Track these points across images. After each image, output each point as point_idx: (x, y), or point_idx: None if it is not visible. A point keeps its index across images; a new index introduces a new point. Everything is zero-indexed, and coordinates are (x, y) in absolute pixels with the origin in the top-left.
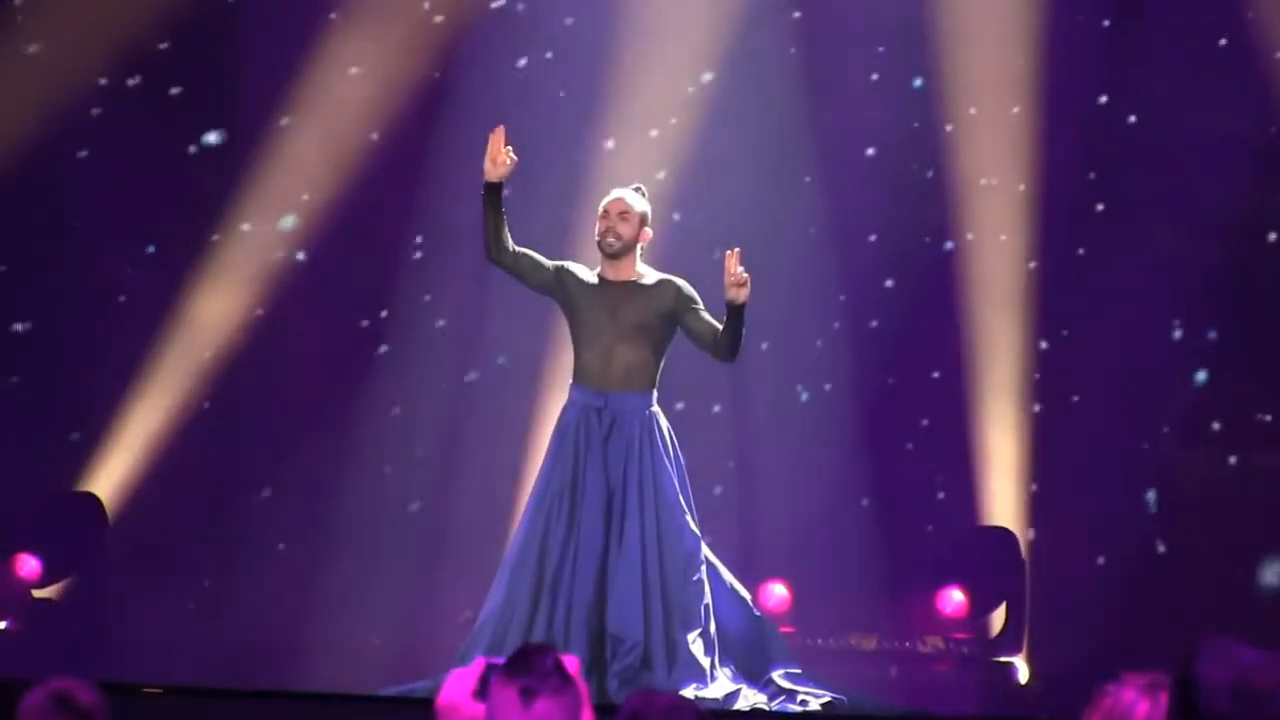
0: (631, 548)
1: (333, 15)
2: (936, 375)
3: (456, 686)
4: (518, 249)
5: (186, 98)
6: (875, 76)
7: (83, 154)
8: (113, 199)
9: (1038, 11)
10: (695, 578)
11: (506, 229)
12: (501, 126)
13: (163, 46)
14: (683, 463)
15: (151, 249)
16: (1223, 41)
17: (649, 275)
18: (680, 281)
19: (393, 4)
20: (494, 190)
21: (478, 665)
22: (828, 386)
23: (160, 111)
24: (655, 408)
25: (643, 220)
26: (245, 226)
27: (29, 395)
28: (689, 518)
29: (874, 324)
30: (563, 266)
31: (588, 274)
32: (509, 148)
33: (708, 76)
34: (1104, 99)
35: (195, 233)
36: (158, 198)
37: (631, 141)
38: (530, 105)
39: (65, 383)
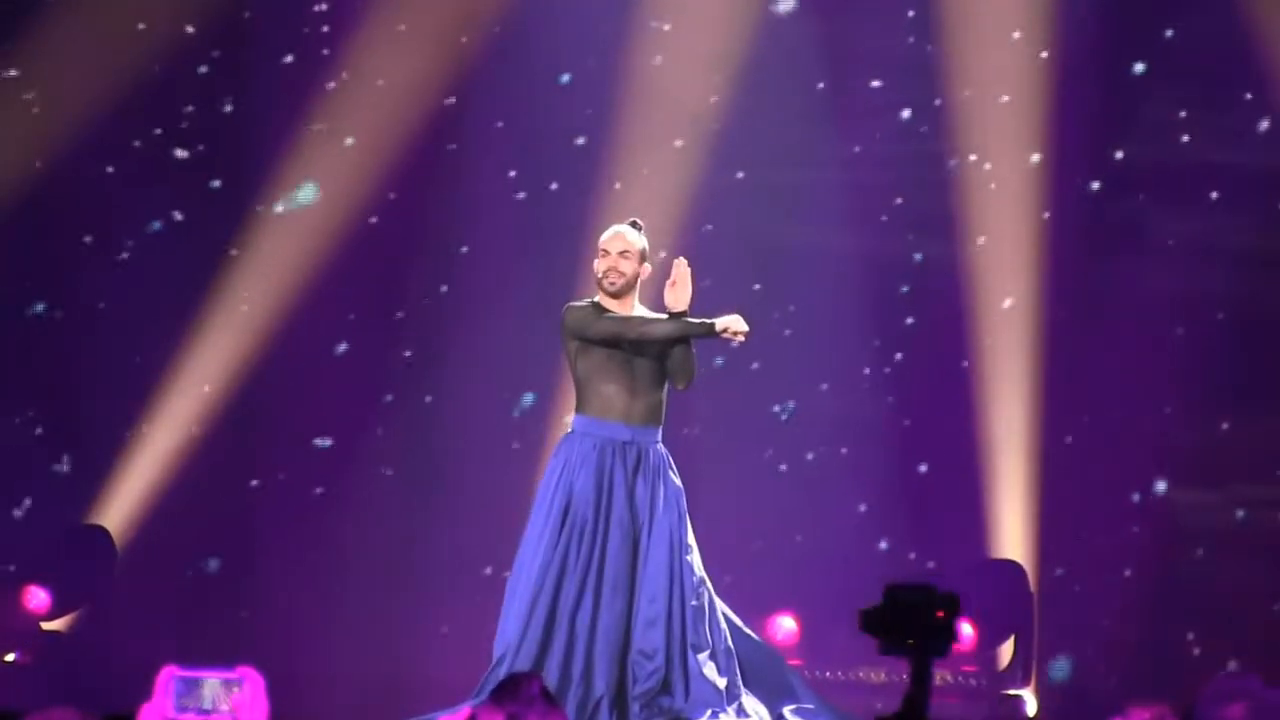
0: (659, 576)
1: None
2: (947, 409)
3: None
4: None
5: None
6: (903, 114)
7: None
8: (124, 240)
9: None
10: (700, 602)
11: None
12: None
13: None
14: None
15: (157, 280)
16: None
17: (646, 312)
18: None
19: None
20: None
21: (463, 713)
22: (836, 419)
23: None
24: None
25: (642, 256)
26: (248, 267)
27: (38, 429)
28: (691, 547)
29: (886, 359)
30: (593, 304)
31: (601, 309)
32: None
33: (714, 99)
34: (1116, 126)
35: (201, 270)
36: (164, 239)
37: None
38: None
39: (74, 417)
